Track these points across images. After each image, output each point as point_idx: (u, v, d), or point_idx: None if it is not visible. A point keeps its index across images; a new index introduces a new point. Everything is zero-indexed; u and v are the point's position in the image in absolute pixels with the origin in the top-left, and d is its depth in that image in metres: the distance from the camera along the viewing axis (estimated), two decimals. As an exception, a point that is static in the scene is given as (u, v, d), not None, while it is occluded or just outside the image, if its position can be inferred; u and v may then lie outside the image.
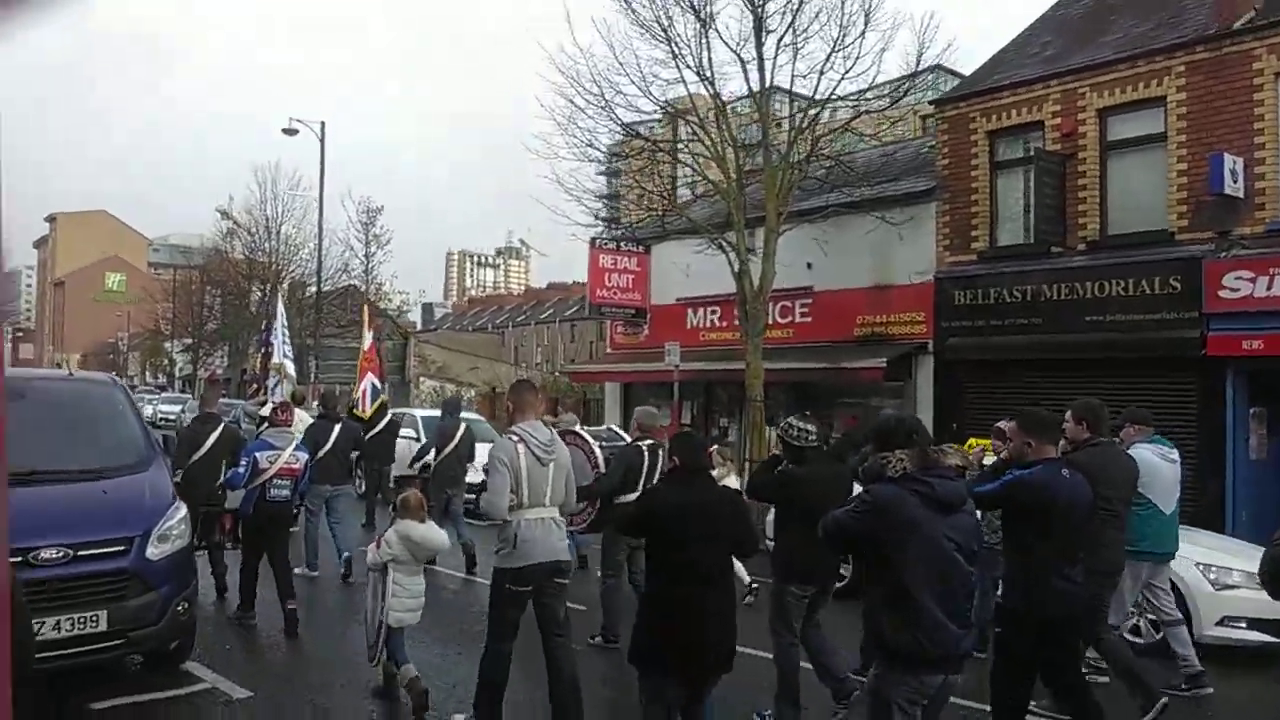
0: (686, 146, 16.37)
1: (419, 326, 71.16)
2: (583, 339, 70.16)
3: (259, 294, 42.40)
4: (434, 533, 6.60)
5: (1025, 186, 14.65)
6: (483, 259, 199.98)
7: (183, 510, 6.76)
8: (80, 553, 5.97)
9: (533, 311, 76.54)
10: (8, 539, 5.67)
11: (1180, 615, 7.33)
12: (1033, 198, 14.30)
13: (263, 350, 26.78)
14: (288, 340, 21.46)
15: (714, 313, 19.46)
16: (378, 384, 16.69)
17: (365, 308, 26.25)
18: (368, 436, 14.06)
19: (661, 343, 20.11)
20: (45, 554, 5.84)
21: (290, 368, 20.59)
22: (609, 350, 22.27)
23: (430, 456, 12.06)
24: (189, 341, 56.91)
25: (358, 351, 43.32)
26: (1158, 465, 6.99)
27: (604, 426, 11.78)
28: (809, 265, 17.07)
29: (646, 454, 8.10)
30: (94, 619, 5.95)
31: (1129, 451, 6.94)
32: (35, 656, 5.65)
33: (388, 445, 14.58)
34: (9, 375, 7.64)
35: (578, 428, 9.96)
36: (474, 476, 11.96)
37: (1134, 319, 13.08)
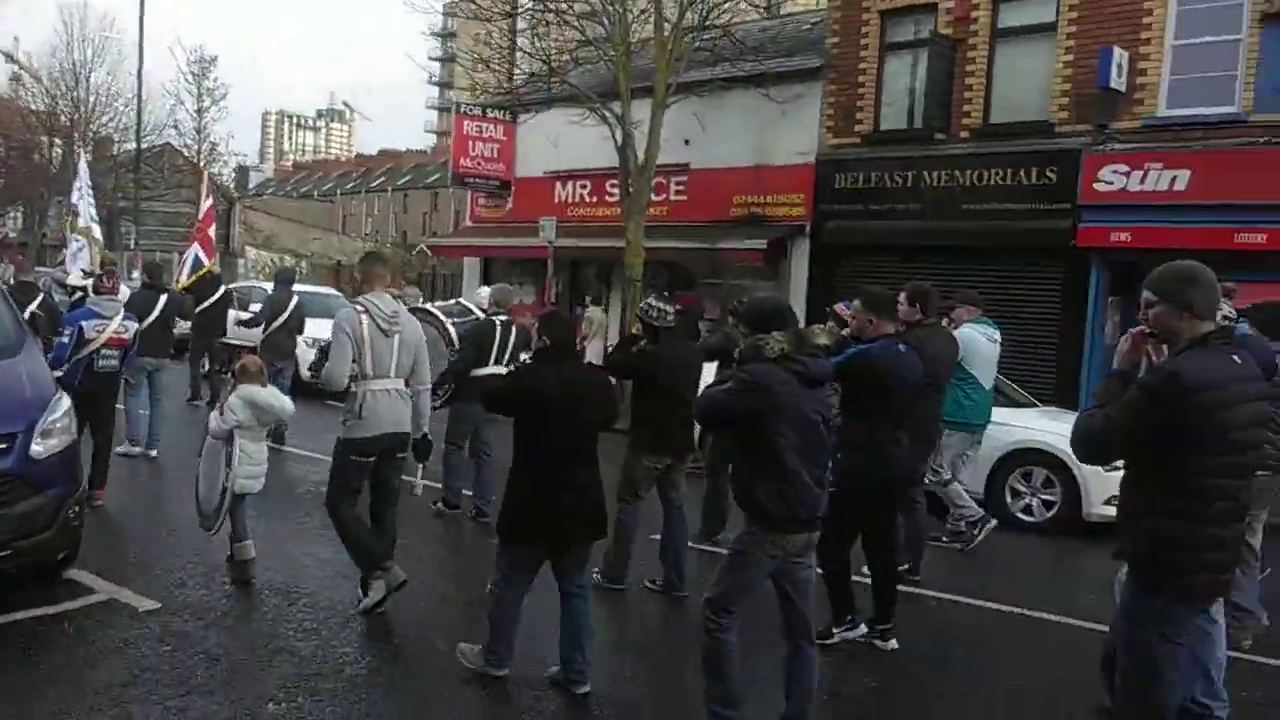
0: (571, 5, 15.39)
1: (233, 191, 66.87)
2: (415, 209, 67.75)
3: (59, 150, 38.37)
4: (277, 397, 6.57)
5: (913, 70, 14.57)
6: (303, 120, 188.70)
7: (66, 402, 5.91)
8: (-42, 452, 5.13)
9: (363, 179, 73.12)
10: None
11: (950, 477, 7.90)
12: (920, 82, 14.26)
13: (70, 212, 24.49)
14: (93, 202, 19.95)
15: (584, 187, 18.83)
16: (202, 256, 15.67)
17: (205, 173, 24.22)
18: (199, 309, 13.58)
19: (525, 218, 19.45)
20: (-85, 454, 4.98)
21: (98, 231, 19.08)
22: (469, 223, 21.33)
23: (259, 330, 12.01)
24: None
25: (176, 217, 40.36)
26: (981, 343, 7.70)
27: (453, 301, 11.32)
28: (686, 142, 16.60)
29: (499, 329, 8.24)
30: (-25, 527, 5.16)
31: (956, 331, 7.60)
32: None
33: (219, 319, 14.05)
34: None
35: (427, 304, 10.10)
36: (302, 351, 12.42)
37: (1010, 208, 13.37)
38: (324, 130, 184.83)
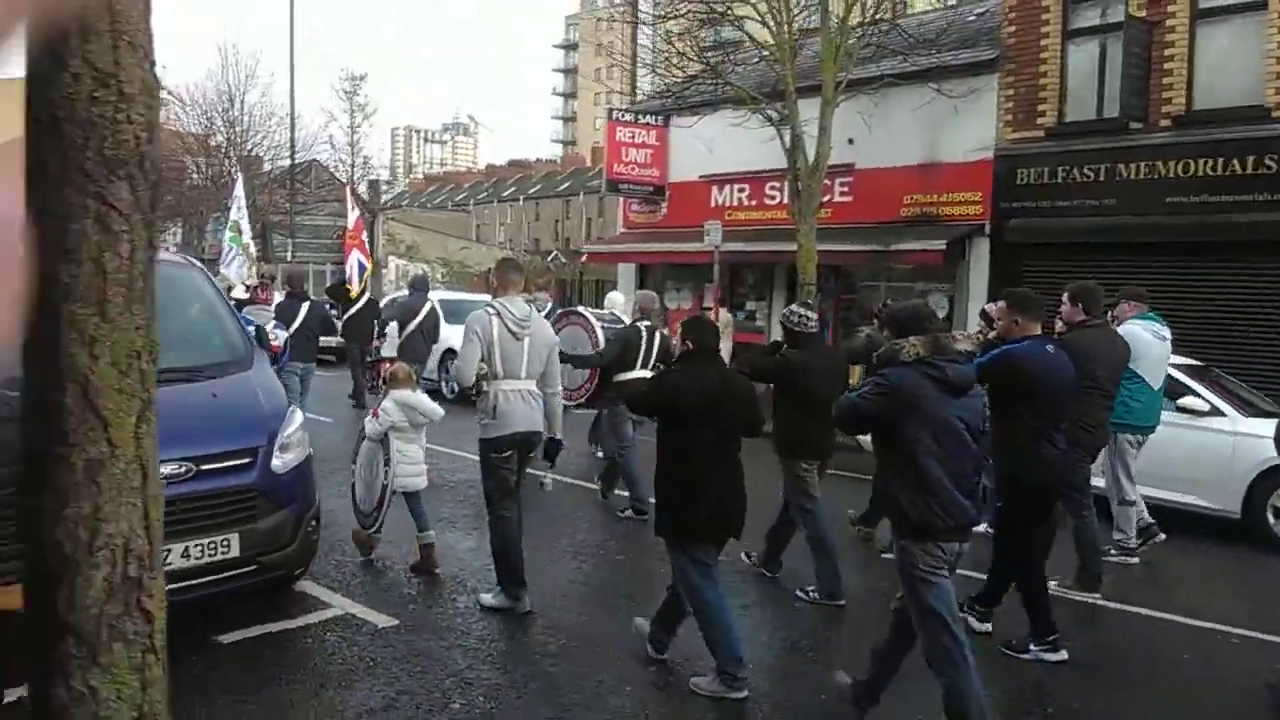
0: (731, 7, 15.04)
1: (375, 204, 68.96)
2: (547, 217, 68.58)
3: (214, 169, 40.06)
4: (427, 400, 6.93)
5: (1101, 57, 13.70)
6: (430, 135, 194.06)
7: (299, 415, 5.84)
8: (203, 467, 5.06)
9: (494, 189, 74.42)
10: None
11: (1136, 499, 7.46)
12: (1111, 69, 13.38)
13: (234, 228, 25.50)
14: (247, 218, 20.83)
15: (742, 190, 18.45)
16: (364, 262, 16.54)
17: (349, 186, 25.09)
18: (345, 316, 14.13)
19: (680, 223, 19.20)
20: (166, 469, 4.90)
21: (253, 248, 19.97)
22: (622, 230, 21.18)
23: (395, 333, 12.38)
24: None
25: (323, 229, 41.75)
26: (1148, 341, 7.26)
27: (607, 311, 11.26)
28: (850, 141, 16.02)
29: (645, 334, 8.49)
30: (225, 544, 5.09)
31: (1120, 329, 7.19)
32: (171, 586, 4.85)
33: (366, 324, 14.46)
34: None
35: (581, 308, 10.63)
36: (434, 362, 12.92)
37: (1222, 200, 12.38)
38: (450, 144, 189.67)
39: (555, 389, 6.13)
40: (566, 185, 68.70)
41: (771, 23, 14.15)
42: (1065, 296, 6.72)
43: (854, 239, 15.51)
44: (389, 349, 13.09)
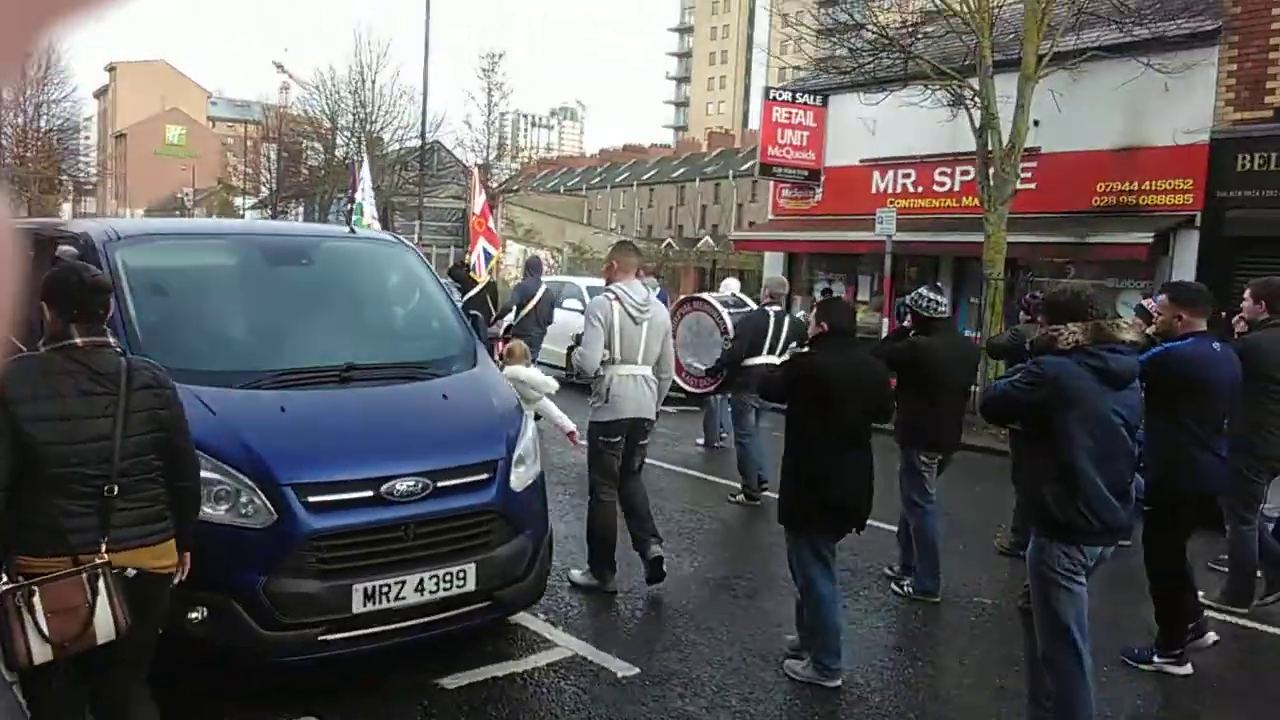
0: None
1: (494, 187, 69.53)
2: (661, 204, 67.81)
3: (343, 149, 40.30)
4: (537, 374, 7.07)
5: (1346, 28, 12.15)
6: (537, 119, 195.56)
7: (533, 422, 5.05)
8: (441, 483, 4.30)
9: (607, 174, 73.91)
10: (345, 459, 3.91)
11: None
12: (1356, 42, 11.84)
13: (358, 211, 25.45)
14: (373, 200, 20.69)
15: (907, 176, 17.23)
16: (490, 249, 16.21)
17: (475, 169, 24.77)
18: (465, 298, 13.59)
19: (834, 210, 18.12)
20: (402, 485, 4.17)
21: (377, 227, 19.62)
22: (771, 217, 20.15)
23: (511, 316, 12.35)
24: (259, 198, 55.50)
25: (444, 213, 41.82)
26: None
27: (726, 292, 10.75)
28: (1035, 123, 14.69)
29: (773, 319, 8.42)
30: (461, 575, 4.32)
31: None
32: (397, 626, 4.12)
33: (484, 306, 13.72)
34: (295, 234, 5.26)
35: (706, 294, 10.41)
36: (550, 345, 12.82)
37: None
38: (557, 128, 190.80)
39: (668, 373, 6.09)
40: (681, 171, 67.78)
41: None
42: (1248, 293, 6.31)
43: (1042, 229, 14.21)
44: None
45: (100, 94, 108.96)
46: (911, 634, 5.77)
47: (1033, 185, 15.32)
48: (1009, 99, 12.93)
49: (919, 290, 6.44)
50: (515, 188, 45.45)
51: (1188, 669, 5.14)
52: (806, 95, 18.36)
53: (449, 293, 5.73)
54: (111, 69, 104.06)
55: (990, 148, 13.03)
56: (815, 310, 5.08)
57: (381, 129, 36.45)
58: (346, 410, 4.44)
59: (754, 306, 9.30)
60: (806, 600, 4.83)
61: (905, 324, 6.69)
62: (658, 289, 10.87)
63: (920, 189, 16.98)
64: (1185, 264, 13.51)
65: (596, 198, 70.54)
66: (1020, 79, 12.81)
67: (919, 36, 14.54)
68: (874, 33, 14.93)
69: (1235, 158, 12.93)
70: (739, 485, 8.71)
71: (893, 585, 6.33)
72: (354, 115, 36.63)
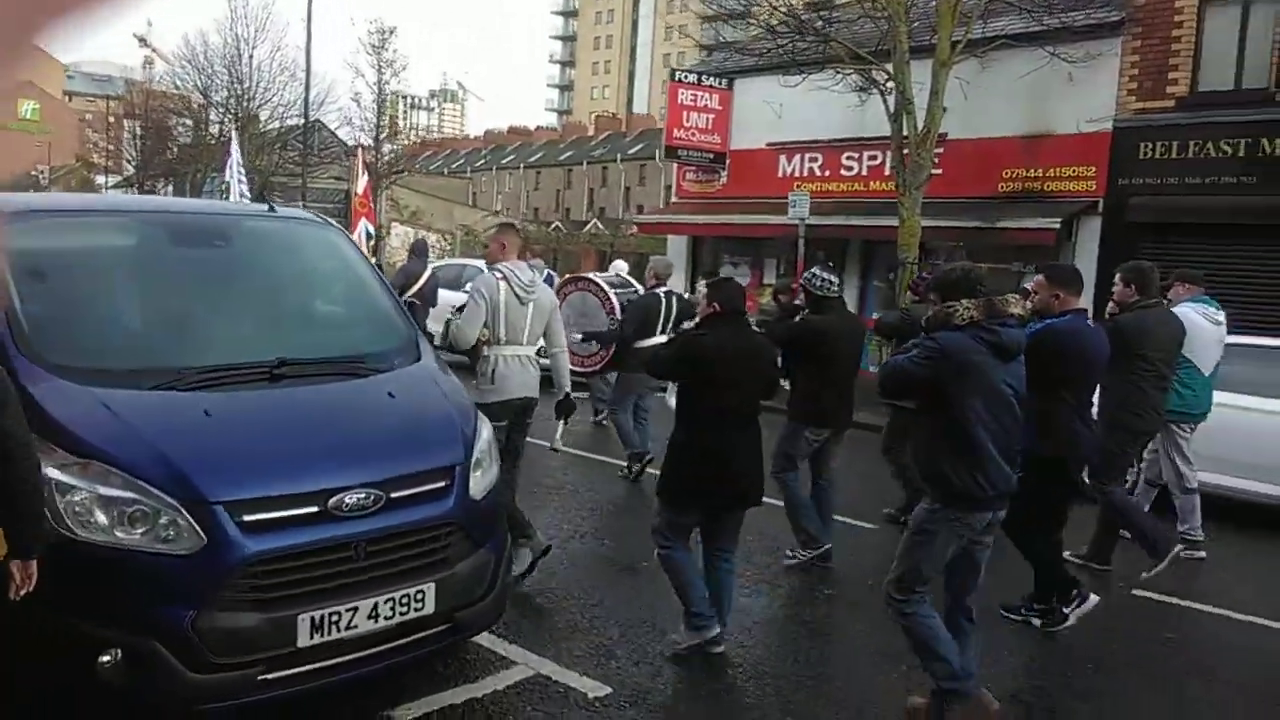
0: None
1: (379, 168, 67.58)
2: (548, 186, 66.97)
3: (216, 128, 38.26)
4: None
5: (1243, 22, 12.46)
6: (417, 101, 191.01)
7: (488, 424, 4.55)
8: (394, 494, 3.78)
9: (492, 156, 72.58)
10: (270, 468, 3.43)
11: (1196, 485, 7.11)
12: (1251, 35, 12.15)
13: (222, 190, 24.21)
14: (244, 180, 19.92)
15: (814, 160, 17.13)
16: (371, 229, 16.01)
17: (359, 150, 23.98)
18: None
19: (740, 193, 17.92)
20: (351, 498, 3.63)
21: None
22: (675, 199, 19.82)
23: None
24: (124, 176, 52.57)
25: (325, 193, 40.31)
26: (1200, 325, 6.93)
27: (612, 273, 10.63)
28: (943, 109, 14.74)
29: (663, 301, 8.52)
30: (419, 597, 3.80)
31: (1173, 310, 6.85)
32: (347, 659, 3.61)
33: None
34: (207, 212, 4.59)
35: (592, 274, 10.32)
36: (433, 325, 12.07)
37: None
38: (437, 110, 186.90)
39: (561, 346, 6.03)
40: (568, 154, 67.04)
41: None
42: (1118, 277, 6.56)
43: (952, 214, 14.24)
44: None
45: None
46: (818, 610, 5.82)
47: (939, 171, 15.37)
48: (922, 86, 12.87)
49: (812, 270, 6.55)
50: (402, 169, 44.05)
51: (1061, 626, 5.41)
52: (712, 78, 18.06)
53: (382, 278, 5.12)
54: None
55: (905, 133, 12.94)
56: (706, 290, 5.05)
57: (259, 106, 34.63)
58: (281, 412, 3.86)
59: (639, 288, 9.47)
60: (667, 566, 4.86)
61: (797, 302, 6.88)
62: (545, 271, 10.71)
63: (828, 173, 16.90)
64: (1088, 249, 13.75)
65: (482, 180, 69.21)
66: (935, 65, 12.75)
67: (831, 22, 14.34)
68: (784, 14, 14.68)
69: (1137, 146, 13.19)
70: (625, 462, 8.83)
71: (784, 559, 6.40)
72: (229, 91, 34.70)
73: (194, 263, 4.44)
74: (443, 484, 3.97)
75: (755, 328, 6.15)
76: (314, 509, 3.56)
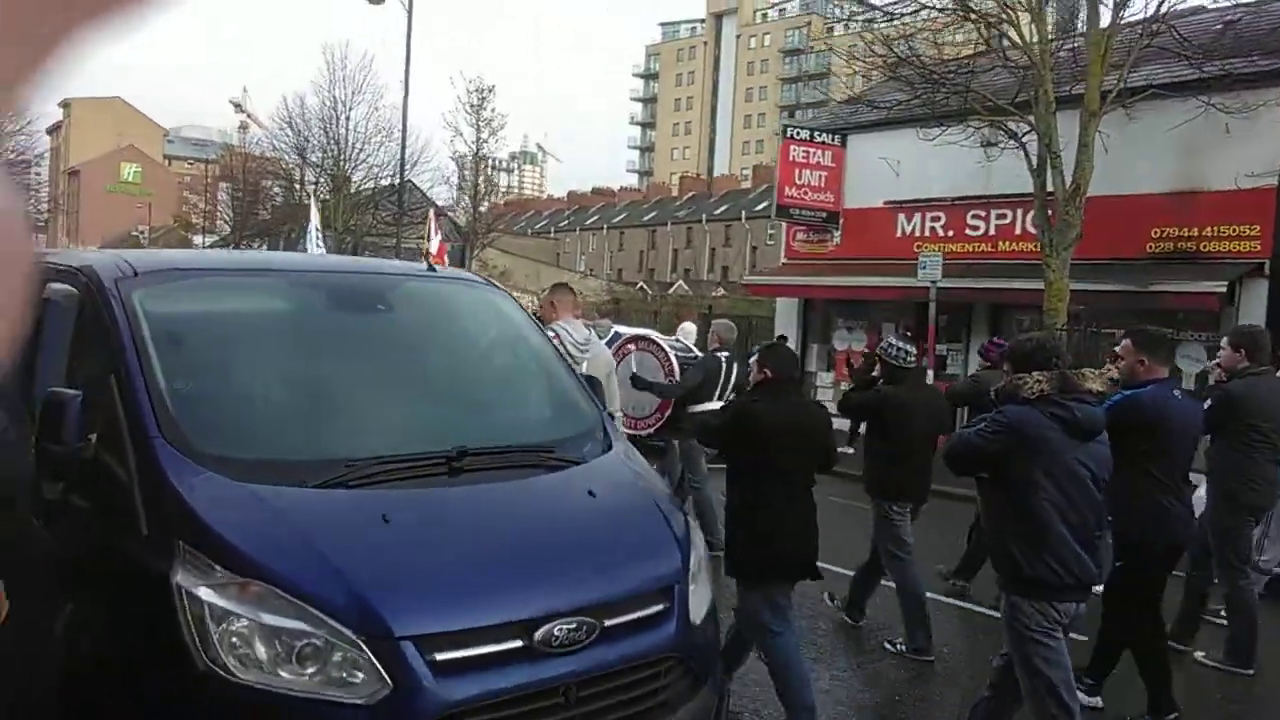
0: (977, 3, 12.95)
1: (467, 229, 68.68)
2: (631, 247, 66.98)
3: (303, 187, 38.86)
4: None
5: None
6: (498, 163, 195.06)
7: (697, 527, 3.79)
8: (608, 622, 3.02)
9: (576, 217, 72.98)
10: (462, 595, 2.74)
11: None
12: None
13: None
14: (321, 247, 20.04)
15: (936, 220, 16.29)
16: None
17: (432, 210, 24.06)
18: None
19: (853, 254, 17.15)
20: (560, 630, 2.89)
21: None
22: (784, 261, 19.09)
23: None
24: (220, 236, 53.79)
25: (416, 254, 40.71)
26: None
27: (677, 339, 10.15)
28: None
29: (724, 365, 8.30)
30: (635, 756, 3.02)
31: None
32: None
33: None
34: (364, 271, 3.84)
35: (650, 332, 10.35)
36: None
37: None
38: (517, 172, 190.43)
39: (614, 409, 5.78)
40: (652, 215, 67.04)
41: (1025, 20, 12.04)
42: (1225, 341, 6.26)
43: (1097, 277, 13.24)
44: None
45: (53, 130, 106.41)
46: (901, 698, 5.43)
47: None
48: (1066, 139, 12.01)
49: (889, 339, 6.44)
50: (501, 229, 44.19)
51: (1096, 701, 5.02)
52: (824, 134, 17.43)
53: (556, 348, 4.44)
54: (65, 105, 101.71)
55: (1051, 189, 12.06)
56: (757, 356, 4.88)
57: (354, 169, 34.98)
58: (470, 518, 3.16)
59: (697, 353, 9.32)
60: (770, 655, 4.52)
61: (874, 373, 6.65)
62: (612, 330, 10.20)
63: (951, 233, 16.04)
64: (1253, 313, 12.59)
65: (566, 240, 69.52)
66: (1083, 115, 11.90)
67: (963, 72, 13.57)
68: (920, 69, 13.91)
69: (1309, 202, 12.12)
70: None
71: (885, 643, 6.06)
72: (324, 152, 35.14)
73: (355, 330, 3.80)
74: (661, 607, 3.21)
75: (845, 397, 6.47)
76: (518, 643, 2.83)
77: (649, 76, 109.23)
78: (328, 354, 3.66)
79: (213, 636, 2.66)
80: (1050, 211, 12.12)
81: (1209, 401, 5.92)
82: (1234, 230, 12.82)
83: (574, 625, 2.91)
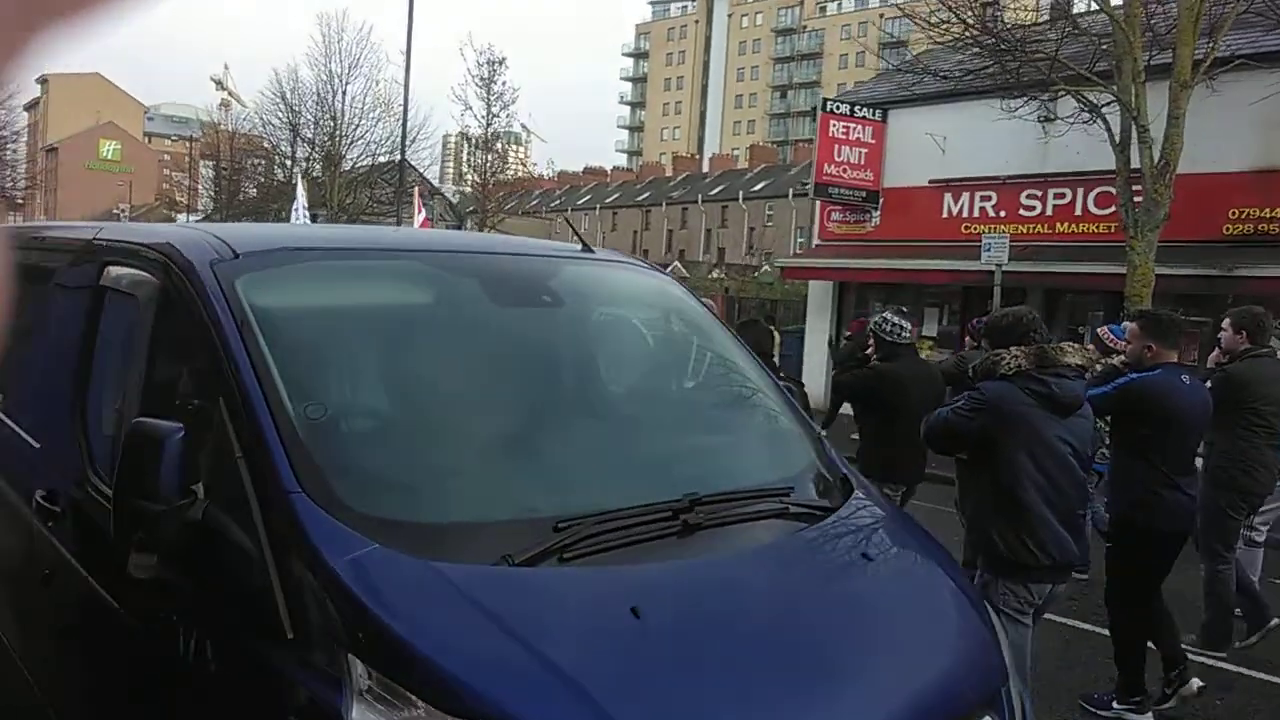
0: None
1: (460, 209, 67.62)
2: (625, 227, 65.96)
3: (303, 166, 37.64)
4: None
5: None
6: (479, 142, 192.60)
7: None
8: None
9: (568, 197, 71.77)
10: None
11: (1261, 540, 6.40)
12: None
13: None
14: (308, 221, 19.86)
15: (987, 199, 15.40)
16: None
17: (415, 190, 23.24)
18: None
19: (894, 235, 16.26)
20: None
21: None
22: (818, 242, 18.18)
23: None
24: (205, 214, 52.47)
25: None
26: None
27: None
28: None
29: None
30: None
31: None
32: None
33: None
34: (516, 253, 3.21)
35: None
36: None
37: None
38: (501, 152, 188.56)
39: None
40: (646, 195, 65.95)
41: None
42: (1226, 322, 6.04)
43: (1171, 260, 12.38)
44: None
45: (31, 106, 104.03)
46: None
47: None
48: (1153, 111, 11.13)
49: (882, 314, 6.35)
50: (510, 208, 43.03)
51: (1148, 717, 4.79)
52: (865, 109, 16.48)
53: (751, 352, 3.47)
54: (43, 81, 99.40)
55: (1136, 165, 11.19)
56: (736, 333, 4.50)
57: (350, 145, 33.74)
58: (734, 602, 2.22)
59: None
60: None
61: (867, 351, 6.44)
62: None
63: (1004, 213, 15.16)
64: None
65: (557, 221, 68.34)
66: (1173, 86, 11.00)
67: (1050, 40, 12.60)
68: (995, 37, 12.91)
69: (1407, 181, 11.30)
70: None
71: None
72: (318, 127, 33.88)
73: (523, 333, 2.83)
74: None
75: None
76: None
77: (639, 55, 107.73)
78: (499, 367, 2.69)
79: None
80: (1135, 190, 11.22)
81: (1208, 383, 5.60)
82: (1322, 211, 11.99)
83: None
